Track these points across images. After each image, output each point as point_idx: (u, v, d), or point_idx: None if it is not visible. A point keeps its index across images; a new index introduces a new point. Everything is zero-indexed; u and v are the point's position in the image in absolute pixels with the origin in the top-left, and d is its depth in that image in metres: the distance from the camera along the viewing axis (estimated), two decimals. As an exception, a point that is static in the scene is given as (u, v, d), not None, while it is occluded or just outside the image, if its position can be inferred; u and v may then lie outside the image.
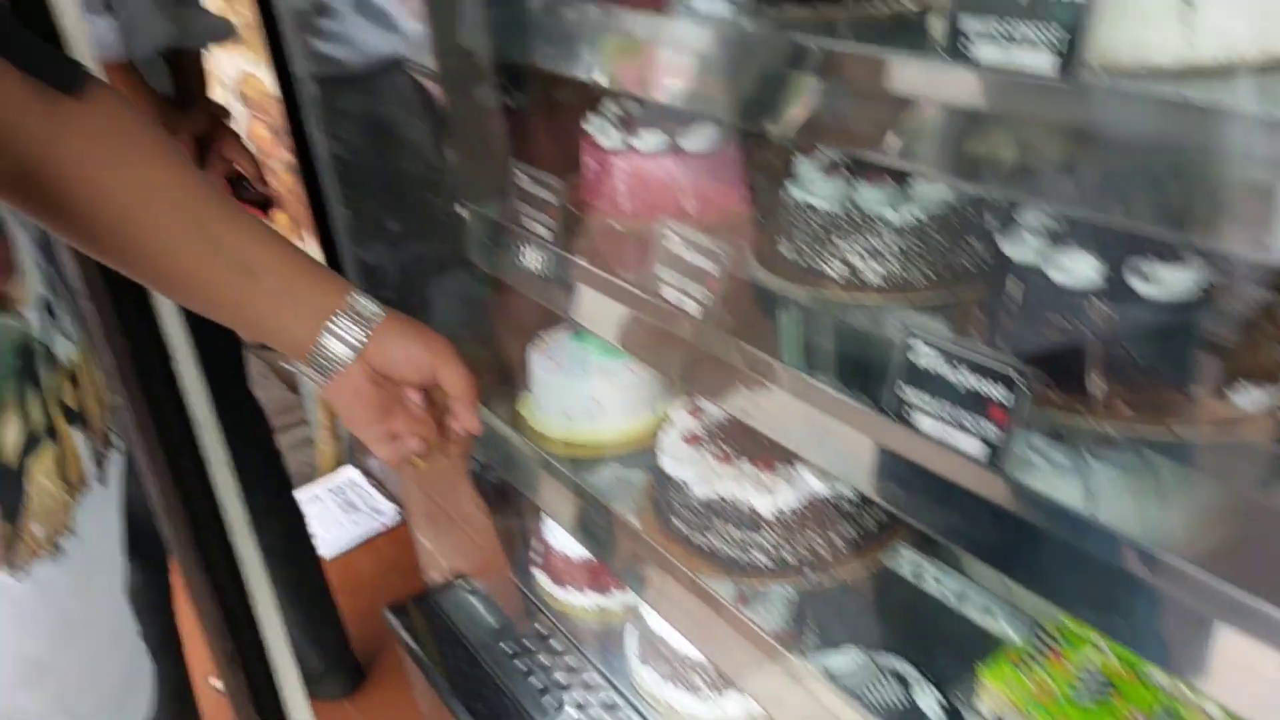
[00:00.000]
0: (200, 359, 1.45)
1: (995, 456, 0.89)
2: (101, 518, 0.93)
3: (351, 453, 3.12)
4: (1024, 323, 1.00)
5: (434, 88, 2.05)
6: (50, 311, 0.90)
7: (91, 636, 0.90)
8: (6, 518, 0.78)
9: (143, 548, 1.72)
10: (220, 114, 1.89)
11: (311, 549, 2.27)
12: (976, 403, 0.90)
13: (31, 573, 0.82)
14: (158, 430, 1.32)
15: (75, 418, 0.86)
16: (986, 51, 0.82)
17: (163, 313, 1.35)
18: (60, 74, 0.78)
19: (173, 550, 1.52)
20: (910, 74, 0.89)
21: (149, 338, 1.37)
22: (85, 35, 1.22)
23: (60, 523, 0.83)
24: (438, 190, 1.98)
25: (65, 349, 0.88)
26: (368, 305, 0.94)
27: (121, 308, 1.34)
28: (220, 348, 1.93)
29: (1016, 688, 1.00)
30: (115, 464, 0.97)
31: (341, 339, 0.92)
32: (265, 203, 1.89)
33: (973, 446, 0.90)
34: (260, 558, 1.55)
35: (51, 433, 0.82)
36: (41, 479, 0.80)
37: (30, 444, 0.80)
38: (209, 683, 2.07)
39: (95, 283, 1.31)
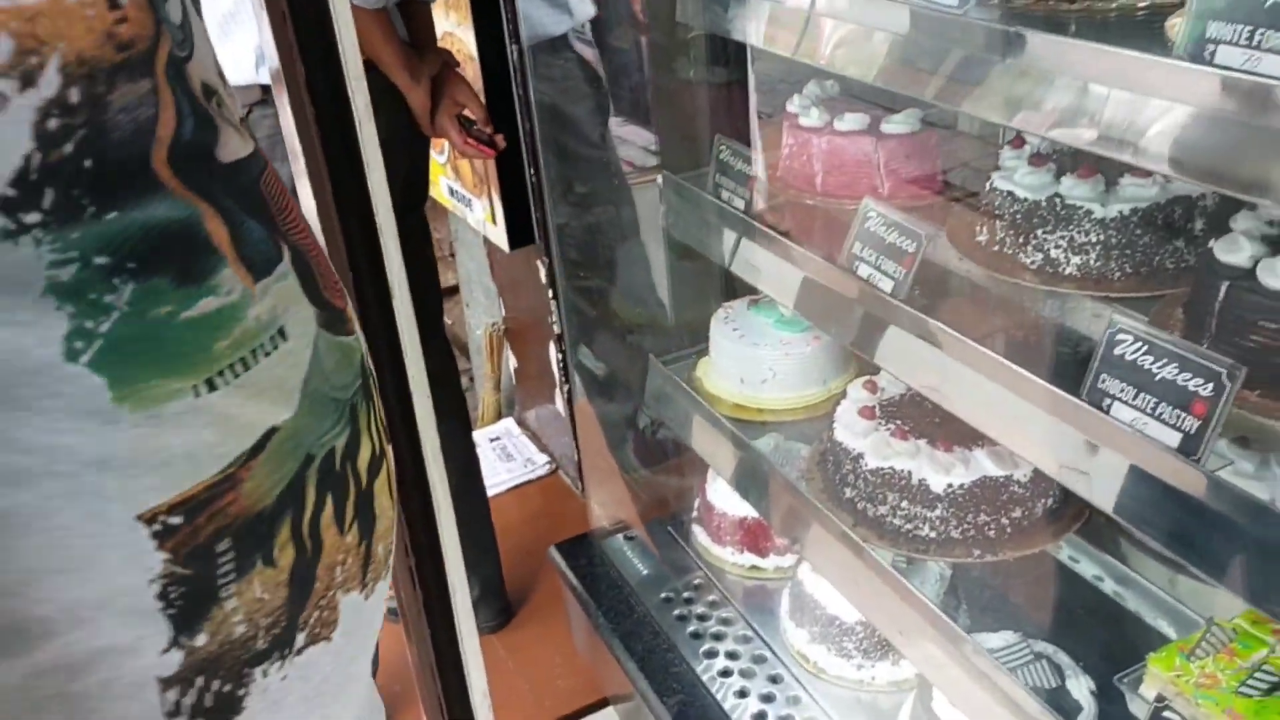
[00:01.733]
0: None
1: (1193, 448, 0.91)
2: None
3: (513, 405, 3.27)
4: (1229, 324, 1.01)
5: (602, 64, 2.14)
6: None
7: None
8: (362, 538, 0.77)
9: None
10: (450, 60, 2.02)
11: (481, 487, 2.41)
12: (1178, 395, 0.93)
13: (375, 592, 0.81)
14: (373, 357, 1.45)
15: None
16: (1229, 55, 0.84)
17: (389, 253, 1.47)
18: None
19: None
20: (1145, 75, 0.92)
21: (372, 278, 1.50)
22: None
23: (392, 541, 0.83)
24: (600, 164, 2.08)
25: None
26: None
27: (351, 247, 1.47)
28: (425, 293, 2.07)
29: (1183, 675, 1.03)
30: None
31: None
32: (493, 143, 2.01)
33: (1170, 438, 0.93)
34: (446, 480, 1.67)
35: (383, 450, 0.82)
36: (383, 499, 0.80)
37: (374, 463, 0.79)
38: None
39: (331, 218, 1.44)
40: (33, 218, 0.57)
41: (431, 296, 2.16)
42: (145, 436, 0.62)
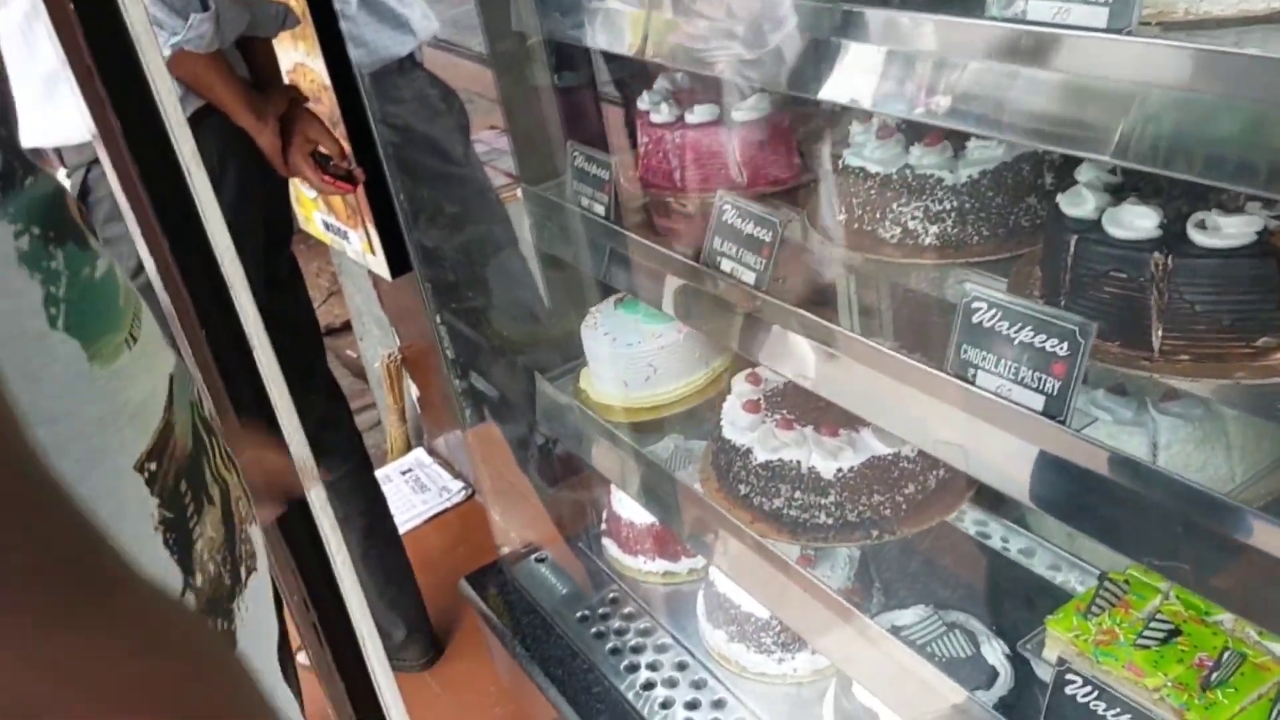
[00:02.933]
0: (278, 343, 1.51)
1: (1057, 409, 0.90)
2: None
3: (421, 434, 3.19)
4: (1082, 278, 1.00)
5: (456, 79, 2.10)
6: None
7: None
8: (238, 474, 0.80)
9: None
10: (298, 96, 1.94)
11: (391, 525, 2.34)
12: (1037, 358, 0.92)
13: (254, 534, 0.82)
14: (238, 413, 1.38)
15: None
16: (1039, 8, 0.83)
17: (241, 301, 1.40)
18: None
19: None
20: (962, 35, 0.90)
21: (226, 326, 1.43)
22: (154, 41, 1.27)
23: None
24: (466, 182, 2.03)
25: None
26: None
27: (198, 298, 1.40)
28: (299, 332, 1.99)
29: (1081, 634, 1.02)
30: None
31: None
32: (351, 178, 1.94)
33: (1034, 401, 0.92)
34: (340, 532, 1.61)
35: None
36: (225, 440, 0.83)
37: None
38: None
39: (169, 271, 1.37)
40: None
41: (309, 336, 2.09)
42: (116, 391, 0.66)
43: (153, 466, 0.67)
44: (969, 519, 1.57)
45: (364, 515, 2.24)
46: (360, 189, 2.19)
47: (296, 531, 1.55)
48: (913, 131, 1.24)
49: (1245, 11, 0.76)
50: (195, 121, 1.82)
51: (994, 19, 0.88)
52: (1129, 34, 0.77)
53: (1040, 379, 0.92)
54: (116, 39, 1.21)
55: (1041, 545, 1.50)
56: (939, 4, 0.97)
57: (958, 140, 1.20)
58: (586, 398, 1.70)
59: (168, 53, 1.72)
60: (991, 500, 1.54)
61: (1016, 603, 1.43)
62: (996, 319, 0.95)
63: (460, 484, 3.01)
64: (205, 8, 1.70)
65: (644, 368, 1.63)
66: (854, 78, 1.05)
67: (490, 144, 2.86)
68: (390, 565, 2.35)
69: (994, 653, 1.35)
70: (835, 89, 1.08)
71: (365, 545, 2.24)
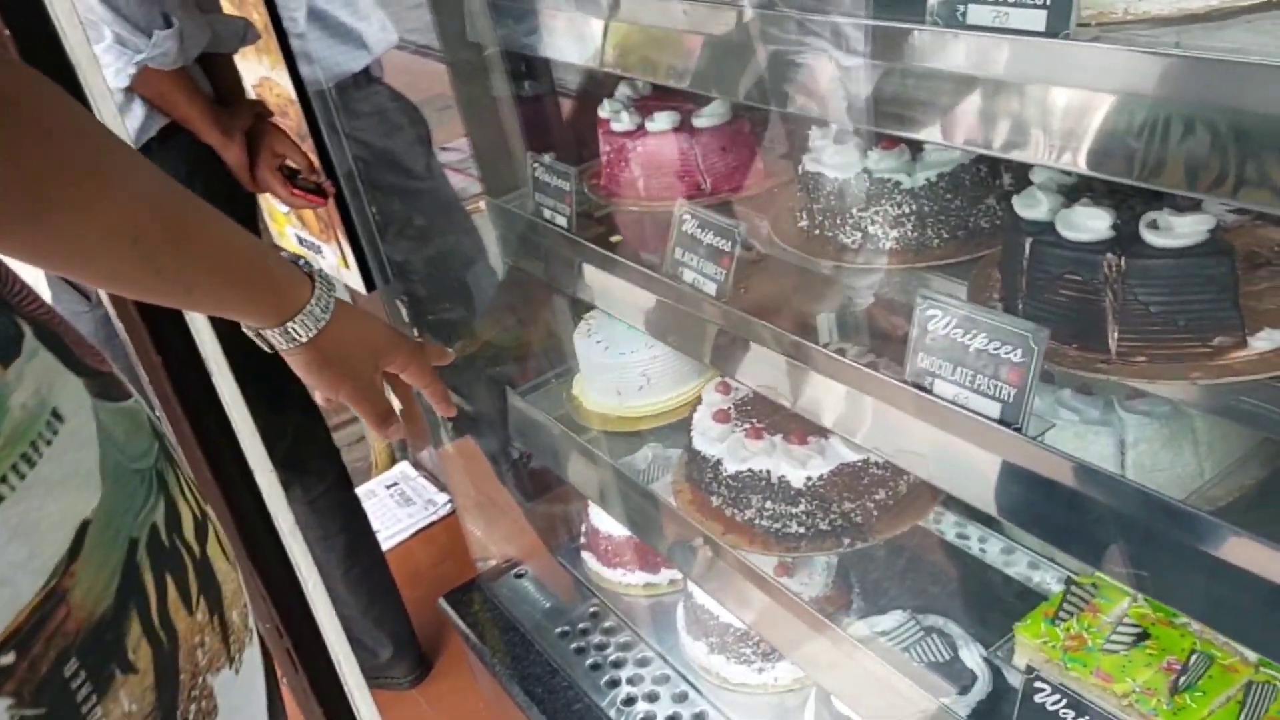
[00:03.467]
0: (249, 362, 1.49)
1: (1013, 416, 0.89)
2: None
3: (405, 447, 3.18)
4: (1038, 280, 0.99)
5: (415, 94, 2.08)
6: None
7: None
8: (212, 611, 0.71)
9: None
10: (263, 111, 1.93)
11: (373, 542, 2.32)
12: (992, 365, 0.90)
13: (244, 662, 0.75)
14: (201, 444, 1.37)
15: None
16: (980, 14, 0.82)
17: (199, 328, 1.39)
18: None
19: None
20: (911, 43, 0.89)
21: (185, 353, 1.42)
22: (96, 65, 1.25)
23: (244, 602, 0.78)
24: (429, 195, 2.01)
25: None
26: (312, 311, 0.96)
27: (156, 327, 1.38)
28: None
29: (1049, 640, 1.01)
30: None
31: (280, 339, 0.96)
32: (320, 190, 1.93)
33: (991, 409, 0.90)
34: (318, 551, 1.59)
35: (204, 511, 0.77)
36: (220, 563, 0.75)
37: (200, 529, 0.74)
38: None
39: (125, 304, 1.35)
40: None
41: (279, 356, 2.08)
42: None
43: (6, 659, 0.56)
44: (946, 522, 1.56)
45: (344, 532, 2.22)
46: (331, 202, 2.18)
47: (266, 556, 1.54)
48: (871, 136, 1.23)
49: (1184, 10, 0.75)
50: (161, 140, 1.81)
51: (935, 24, 0.86)
52: (1067, 37, 0.75)
53: (996, 386, 0.91)
54: (60, 72, 1.20)
55: (1018, 547, 1.49)
56: (886, 10, 0.96)
57: (915, 144, 1.19)
58: (579, 405, 1.68)
59: (132, 71, 1.71)
60: (965, 504, 1.53)
61: (994, 605, 1.41)
62: (951, 326, 0.94)
63: (446, 497, 3.00)
64: (168, 24, 1.69)
65: (637, 377, 1.61)
66: (804, 84, 1.04)
67: (465, 151, 2.84)
68: (374, 582, 2.33)
69: (972, 656, 1.34)
70: (782, 96, 1.07)
71: (347, 563, 2.22)
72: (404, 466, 3.17)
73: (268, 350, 0.99)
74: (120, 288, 0.82)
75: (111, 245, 0.75)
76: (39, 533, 0.59)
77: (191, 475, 0.77)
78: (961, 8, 0.84)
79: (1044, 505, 0.89)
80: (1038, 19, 0.78)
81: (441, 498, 3.00)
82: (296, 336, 0.95)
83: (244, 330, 0.98)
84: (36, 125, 0.67)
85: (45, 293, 1.69)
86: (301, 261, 0.98)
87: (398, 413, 1.12)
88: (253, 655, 0.76)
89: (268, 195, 2.26)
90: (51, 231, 0.71)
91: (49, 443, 0.61)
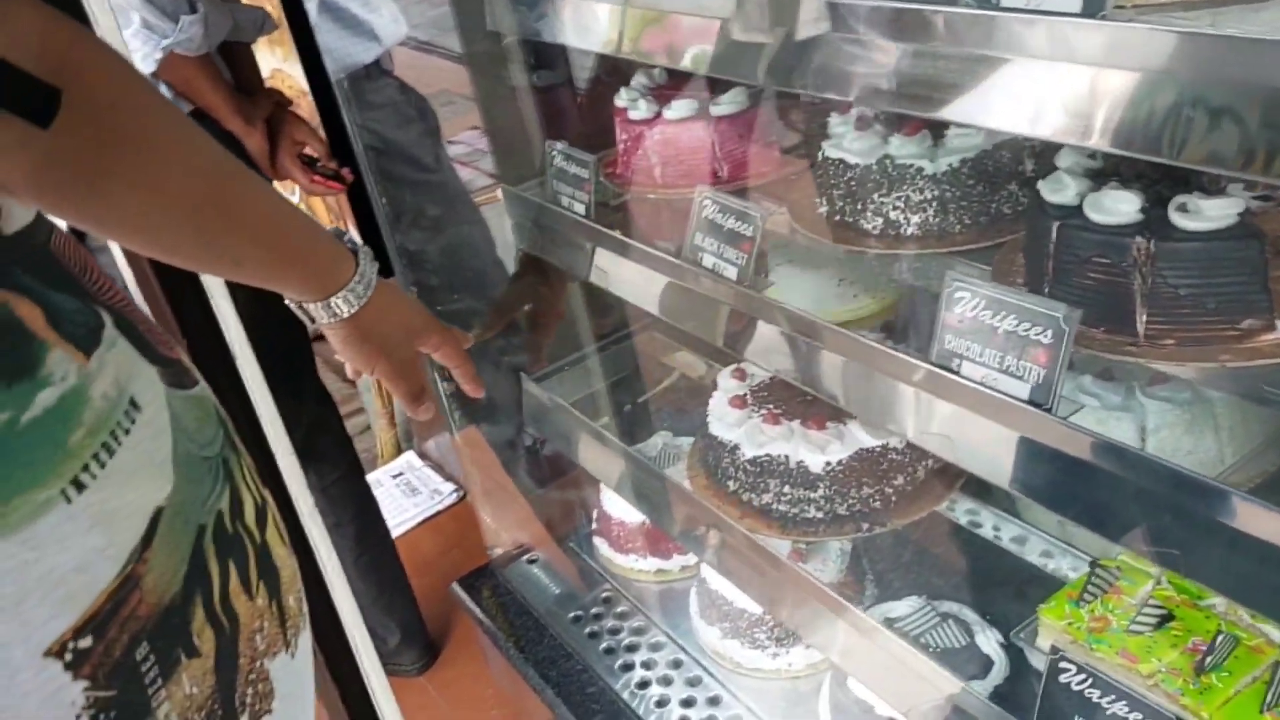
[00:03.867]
0: (268, 349, 1.50)
1: (1042, 397, 0.89)
2: None
3: (410, 437, 3.18)
4: (1065, 264, 1.00)
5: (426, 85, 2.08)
6: None
7: None
8: (271, 596, 0.72)
9: None
10: (282, 100, 1.94)
11: (384, 529, 2.33)
12: (1022, 346, 0.91)
13: (299, 647, 0.76)
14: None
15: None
16: (1013, -3, 0.82)
17: (224, 313, 1.39)
18: (29, 103, 0.62)
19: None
20: (941, 25, 0.89)
21: (209, 337, 1.42)
22: (125, 51, 1.25)
23: (299, 588, 0.79)
24: (438, 187, 2.01)
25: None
26: (355, 287, 0.96)
27: (180, 309, 1.39)
28: (288, 339, 1.98)
29: (1074, 622, 1.01)
30: None
31: (322, 313, 0.97)
32: (340, 177, 1.94)
33: (1020, 390, 0.91)
34: (330, 539, 1.60)
35: (264, 497, 0.78)
36: (278, 549, 0.75)
37: (260, 515, 0.75)
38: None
39: (149, 285, 1.36)
40: None
41: (298, 344, 2.08)
42: (27, 564, 0.55)
43: (84, 643, 0.57)
44: (960, 509, 1.57)
45: (355, 520, 2.23)
46: (343, 193, 2.18)
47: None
48: (892, 121, 1.24)
49: (1219, -9, 0.75)
50: (183, 128, 1.82)
51: (969, 6, 0.87)
52: (1103, 18, 0.76)
53: (1025, 367, 0.91)
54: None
55: (1033, 533, 1.50)
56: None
57: (937, 129, 1.20)
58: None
59: (159, 55, 1.72)
60: (982, 489, 1.54)
61: (1010, 591, 1.42)
62: (980, 308, 0.94)
63: (452, 486, 3.00)
64: (193, 10, 1.70)
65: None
66: (829, 69, 1.05)
67: (472, 144, 2.83)
68: (383, 570, 2.34)
69: (988, 642, 1.35)
70: (809, 81, 1.07)
71: (358, 550, 2.23)
72: (410, 456, 3.17)
73: (309, 323, 0.99)
74: (173, 257, 0.83)
75: (169, 217, 0.76)
76: (116, 520, 0.61)
77: (252, 462, 0.78)
78: (996, -9, 0.84)
79: (1073, 485, 0.90)
80: (1074, 1, 0.78)
81: (447, 487, 3.01)
82: (339, 311, 0.96)
83: (286, 302, 0.99)
84: (100, 96, 0.67)
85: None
86: (346, 238, 0.98)
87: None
88: (306, 640, 0.77)
89: (277, 184, 2.26)
90: (112, 202, 0.72)
91: (127, 432, 0.63)
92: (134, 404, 0.64)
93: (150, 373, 0.68)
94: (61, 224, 0.70)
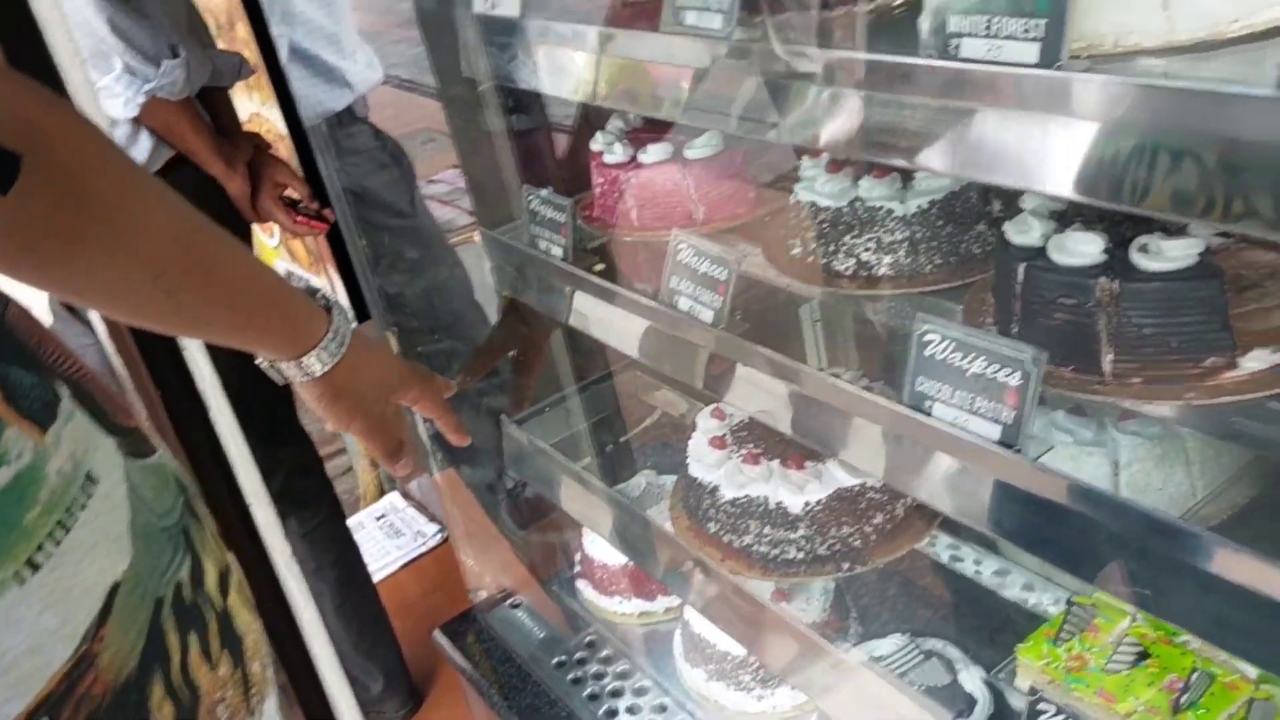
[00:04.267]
0: (246, 393, 1.49)
1: (1012, 438, 0.90)
2: None
3: (393, 479, 3.16)
4: (1032, 305, 1.01)
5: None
6: None
7: None
8: (235, 664, 0.71)
9: None
10: (261, 143, 1.95)
11: (365, 573, 2.32)
12: (991, 388, 0.92)
13: (265, 713, 0.75)
14: (197, 477, 1.37)
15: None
16: (973, 47, 0.84)
17: (197, 362, 1.39)
18: None
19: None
20: (903, 75, 0.91)
21: (183, 385, 1.42)
22: (89, 92, 1.26)
23: (265, 653, 0.78)
24: (413, 232, 2.02)
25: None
26: (328, 345, 0.95)
27: (152, 358, 1.39)
28: (267, 382, 1.98)
29: (1051, 661, 1.02)
30: None
31: (295, 371, 0.96)
32: (322, 218, 1.95)
33: (991, 431, 0.92)
34: (311, 584, 1.59)
35: (226, 562, 0.77)
36: (242, 614, 0.75)
37: (223, 580, 0.74)
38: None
39: (120, 335, 1.36)
40: None
41: (276, 387, 2.08)
42: None
43: None
44: (941, 545, 1.57)
45: (337, 565, 2.21)
46: (321, 236, 2.19)
47: (261, 590, 1.53)
48: (862, 164, 1.25)
49: (1171, 43, 0.77)
50: (165, 173, 1.83)
51: (930, 56, 0.89)
52: (1059, 68, 0.77)
53: (995, 409, 0.92)
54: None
55: (1014, 568, 1.50)
56: (878, 42, 0.98)
57: (906, 172, 1.21)
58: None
59: (142, 100, 1.73)
60: (962, 526, 1.54)
61: (992, 627, 1.42)
62: (949, 350, 0.95)
63: (436, 527, 2.99)
64: (175, 54, 1.71)
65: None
66: (797, 117, 1.06)
67: (453, 183, 2.84)
68: (365, 615, 2.32)
69: (972, 679, 1.35)
70: (778, 129, 1.09)
71: (339, 596, 2.21)
72: (393, 497, 3.16)
73: (281, 383, 0.99)
74: (140, 320, 0.82)
75: (138, 281, 0.76)
76: (71, 599, 0.59)
77: (215, 526, 0.77)
78: (955, 41, 0.86)
79: (1045, 526, 0.90)
80: (1031, 51, 0.80)
81: (431, 529, 2.99)
82: (311, 370, 0.95)
83: (258, 362, 0.98)
84: (65, 162, 0.68)
85: (46, 320, 1.70)
86: (319, 294, 0.98)
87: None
88: (271, 705, 0.76)
89: (256, 230, 2.26)
90: (75, 267, 0.72)
91: (84, 507, 0.62)
92: (90, 478, 0.63)
93: (108, 444, 0.67)
94: (17, 295, 0.70)
